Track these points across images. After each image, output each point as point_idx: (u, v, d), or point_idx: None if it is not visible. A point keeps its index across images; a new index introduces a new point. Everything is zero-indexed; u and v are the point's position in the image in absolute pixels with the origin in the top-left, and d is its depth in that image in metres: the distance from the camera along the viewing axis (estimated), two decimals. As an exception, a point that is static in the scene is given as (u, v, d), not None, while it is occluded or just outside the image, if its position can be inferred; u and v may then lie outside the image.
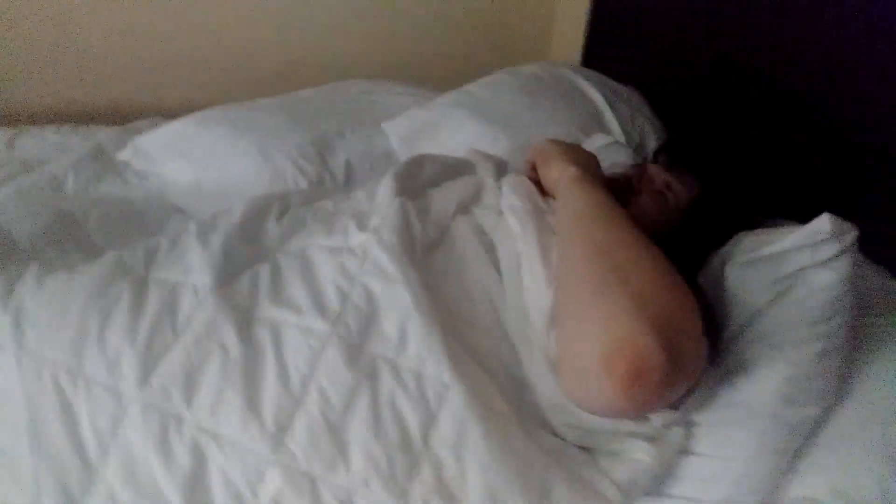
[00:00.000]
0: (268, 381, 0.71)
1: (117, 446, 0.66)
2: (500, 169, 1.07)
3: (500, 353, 0.79)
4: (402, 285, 0.78)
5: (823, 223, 0.84)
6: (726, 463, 0.79)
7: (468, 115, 1.42)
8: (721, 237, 0.98)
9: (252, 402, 0.69)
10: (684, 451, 0.81)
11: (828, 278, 0.81)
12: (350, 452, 0.69)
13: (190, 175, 1.35)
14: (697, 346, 0.65)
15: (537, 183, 0.96)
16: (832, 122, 1.23)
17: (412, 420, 0.71)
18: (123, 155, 1.42)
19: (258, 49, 1.84)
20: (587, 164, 0.93)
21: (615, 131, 1.44)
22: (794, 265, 0.83)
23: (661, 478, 0.79)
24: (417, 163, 1.03)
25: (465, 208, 0.94)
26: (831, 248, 0.82)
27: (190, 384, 0.69)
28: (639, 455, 0.77)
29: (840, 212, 0.84)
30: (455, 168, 1.06)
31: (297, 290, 0.79)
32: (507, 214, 0.89)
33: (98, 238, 1.16)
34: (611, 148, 1.35)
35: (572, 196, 0.85)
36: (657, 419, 0.77)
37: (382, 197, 0.91)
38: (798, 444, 0.81)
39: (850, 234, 0.82)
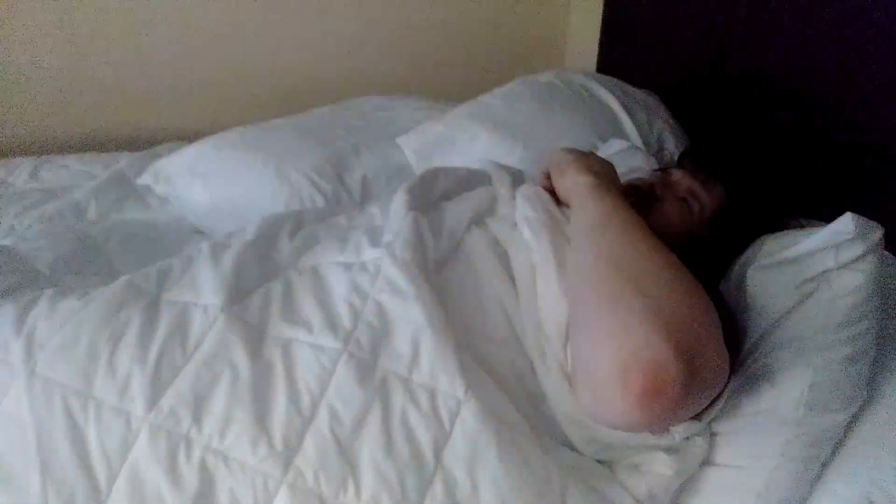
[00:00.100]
0: (278, 401, 0.70)
1: (126, 469, 0.66)
2: (516, 179, 1.06)
3: (516, 366, 0.78)
4: (414, 301, 0.77)
5: (847, 223, 0.82)
6: (750, 473, 0.77)
7: (482, 126, 1.41)
8: (745, 243, 0.95)
9: (261, 422, 0.68)
10: (706, 462, 0.79)
11: (853, 280, 0.79)
12: (360, 472, 0.68)
13: (208, 197, 1.36)
14: (718, 358, 0.63)
15: (553, 192, 0.95)
16: (854, 120, 1.20)
17: (425, 438, 0.70)
18: (144, 179, 1.44)
19: (275, 69, 1.86)
20: (603, 171, 0.91)
21: (632, 136, 1.42)
22: (818, 267, 0.81)
23: (683, 490, 0.78)
24: (431, 176, 1.02)
25: (479, 220, 0.93)
26: (856, 249, 0.79)
27: (199, 405, 0.69)
28: (659, 468, 0.75)
29: (865, 210, 0.81)
30: (470, 180, 1.05)
31: (308, 308, 0.78)
32: (521, 225, 0.88)
33: (119, 263, 1.17)
34: (628, 153, 1.33)
35: (586, 205, 0.83)
36: (678, 431, 0.75)
37: (395, 212, 0.91)
38: (826, 453, 0.79)
39: (876, 233, 0.80)
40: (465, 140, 1.41)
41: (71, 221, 1.34)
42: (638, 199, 0.95)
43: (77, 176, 1.54)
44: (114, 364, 0.71)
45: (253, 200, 1.32)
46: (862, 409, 0.81)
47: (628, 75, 1.66)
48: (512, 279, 0.84)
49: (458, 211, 0.93)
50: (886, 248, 0.89)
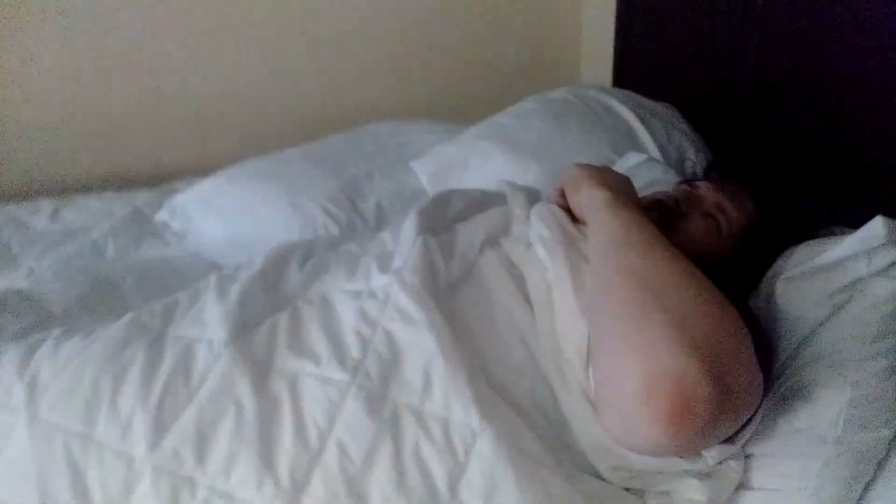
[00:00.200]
0: (284, 437, 0.68)
1: None
2: (532, 198, 1.03)
3: (535, 392, 0.75)
4: (424, 328, 0.74)
5: (877, 227, 0.78)
6: (788, 497, 0.72)
7: (496, 146, 1.39)
8: (775, 256, 0.91)
9: (267, 460, 0.66)
10: (741, 487, 0.75)
11: (888, 288, 0.75)
12: None
13: (224, 231, 1.36)
14: (750, 374, 0.60)
15: (568, 210, 0.92)
16: (879, 126, 1.15)
17: (439, 471, 0.67)
18: (160, 216, 1.44)
19: (291, 100, 1.86)
20: (618, 185, 0.88)
21: (650, 148, 1.39)
22: (850, 275, 0.77)
23: None
24: (444, 198, 1.00)
25: (493, 241, 0.91)
26: (889, 254, 0.75)
27: (203, 444, 0.67)
28: (692, 495, 0.71)
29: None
30: (484, 201, 1.02)
31: (316, 339, 0.76)
32: (536, 245, 0.85)
33: (134, 301, 1.16)
34: (646, 165, 1.29)
35: (603, 221, 0.80)
36: (711, 455, 0.71)
37: (405, 236, 0.89)
38: (868, 473, 0.74)
39: None
40: (479, 161, 1.39)
41: (88, 261, 1.35)
42: (662, 215, 0.91)
43: (97, 215, 1.54)
44: (116, 405, 0.70)
45: (267, 231, 1.31)
46: None
47: (645, 89, 1.63)
48: (528, 301, 0.81)
49: (470, 232, 0.91)
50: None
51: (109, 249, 1.38)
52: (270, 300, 0.83)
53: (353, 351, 0.74)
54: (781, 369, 0.80)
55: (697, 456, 0.70)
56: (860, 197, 1.19)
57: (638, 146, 1.39)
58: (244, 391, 0.70)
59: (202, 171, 1.59)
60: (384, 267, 0.85)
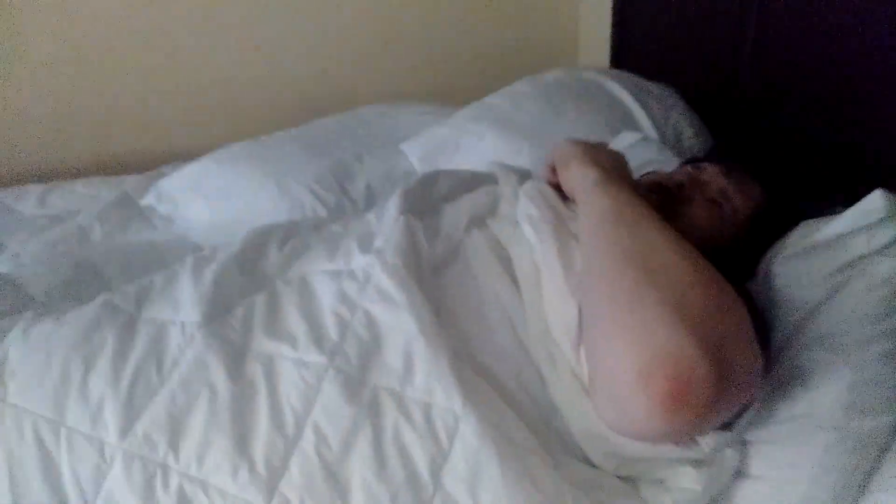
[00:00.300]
0: (259, 422, 0.66)
1: (101, 499, 0.63)
2: (524, 180, 1.00)
3: (522, 376, 0.72)
4: (405, 309, 0.72)
5: (877, 200, 0.75)
6: (787, 485, 0.70)
7: (488, 127, 1.37)
8: (775, 240, 0.88)
9: (242, 446, 0.64)
10: (739, 474, 0.72)
11: (890, 267, 0.72)
12: (351, 496, 0.63)
13: (211, 214, 1.34)
14: (750, 355, 0.57)
15: (559, 188, 0.88)
16: (879, 109, 1.12)
17: (420, 456, 0.65)
18: (147, 200, 1.42)
19: (280, 83, 1.83)
20: (611, 163, 0.84)
21: (647, 129, 1.36)
22: (850, 253, 0.74)
23: None
24: (431, 178, 0.97)
25: (480, 221, 0.87)
26: (889, 232, 0.72)
27: (176, 430, 0.65)
28: (686, 484, 0.69)
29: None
30: (473, 182, 0.99)
31: (293, 321, 0.74)
32: (523, 224, 0.82)
33: (117, 286, 1.14)
34: (640, 145, 1.26)
35: (593, 200, 0.76)
36: (706, 442, 0.68)
37: (388, 216, 0.86)
38: (870, 460, 0.71)
39: None
40: (470, 143, 1.37)
41: (74, 246, 1.32)
42: (663, 198, 0.88)
43: (84, 200, 1.52)
44: (86, 389, 0.67)
45: (254, 215, 1.28)
46: None
47: (642, 72, 1.60)
48: (515, 282, 0.78)
49: (456, 212, 0.88)
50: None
51: (95, 234, 1.35)
52: (247, 281, 0.80)
53: (332, 333, 0.72)
54: (779, 353, 0.77)
55: (693, 443, 0.68)
56: (859, 183, 1.15)
57: (634, 127, 1.37)
58: (218, 375, 0.68)
59: (191, 156, 1.56)
60: (365, 247, 0.82)
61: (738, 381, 0.55)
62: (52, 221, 1.42)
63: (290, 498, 0.62)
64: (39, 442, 0.65)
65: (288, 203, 1.29)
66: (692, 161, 1.03)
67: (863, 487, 0.70)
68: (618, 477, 0.71)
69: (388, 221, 0.84)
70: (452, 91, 1.85)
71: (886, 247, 0.73)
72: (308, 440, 0.65)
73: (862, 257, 0.73)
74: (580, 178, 0.81)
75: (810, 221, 0.85)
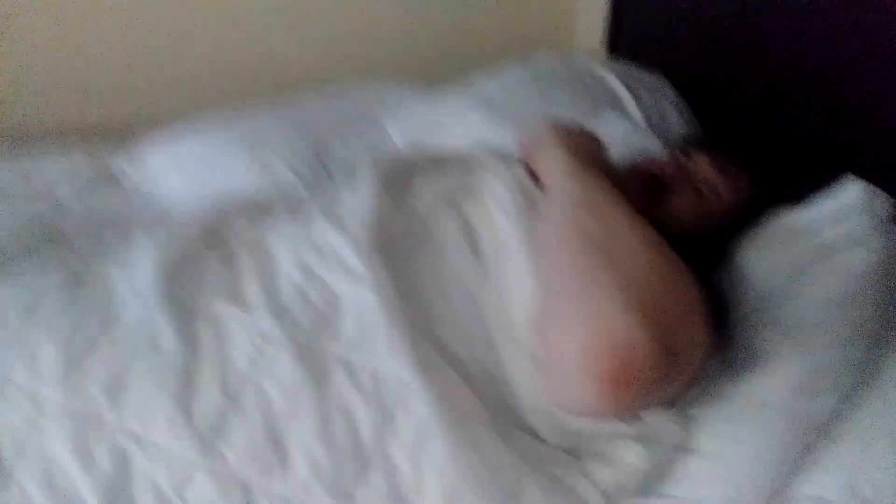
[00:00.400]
0: (203, 382, 0.65)
1: (33, 448, 0.62)
2: (506, 162, 0.98)
3: (478, 351, 0.72)
4: (367, 285, 0.71)
5: (851, 188, 0.74)
6: (728, 461, 0.71)
7: (473, 108, 1.34)
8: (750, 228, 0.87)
9: (184, 405, 0.64)
10: (684, 449, 0.73)
11: (856, 256, 0.72)
12: (290, 458, 0.63)
13: (186, 185, 1.32)
14: (695, 338, 0.58)
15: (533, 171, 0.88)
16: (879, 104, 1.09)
17: (365, 422, 0.65)
18: (120, 166, 1.40)
19: (263, 56, 1.79)
20: (585, 147, 0.84)
21: (634, 117, 1.34)
22: (817, 240, 0.75)
23: (655, 479, 0.72)
24: (409, 153, 0.97)
25: (451, 199, 0.86)
26: (861, 221, 0.72)
27: (114, 385, 0.64)
28: (628, 458, 0.69)
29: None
30: (452, 160, 0.98)
31: (248, 285, 0.73)
32: (492, 206, 0.82)
33: (79, 246, 1.13)
34: (625, 131, 1.24)
35: (560, 184, 0.76)
36: (650, 418, 0.69)
37: (357, 188, 0.85)
38: (811, 440, 0.72)
39: (883, 204, 0.73)
40: (454, 122, 1.34)
41: (45, 211, 1.30)
42: (649, 184, 0.88)
43: (56, 165, 1.49)
44: (25, 339, 0.67)
45: (229, 186, 1.26)
46: (855, 395, 0.74)
47: (638, 57, 1.58)
48: (480, 261, 0.78)
49: (428, 189, 0.87)
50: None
51: (67, 201, 1.33)
52: (204, 240, 0.79)
53: (287, 300, 0.72)
54: (734, 332, 0.77)
55: (637, 419, 0.69)
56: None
57: (621, 113, 1.34)
58: (164, 333, 0.67)
59: (170, 125, 1.54)
60: (329, 213, 0.81)
61: (683, 363, 0.56)
62: (25, 185, 1.39)
63: (228, 456, 0.62)
64: None
65: (265, 177, 1.27)
66: (682, 146, 1.02)
67: (801, 465, 0.71)
68: (565, 451, 0.71)
69: (356, 192, 0.83)
70: (443, 70, 1.82)
71: (853, 234, 0.72)
72: (251, 400, 0.65)
73: (828, 244, 0.73)
74: (550, 162, 0.81)
75: (781, 207, 0.84)
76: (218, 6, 1.71)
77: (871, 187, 0.74)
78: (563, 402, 0.63)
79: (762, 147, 1.24)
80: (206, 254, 0.77)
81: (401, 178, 0.89)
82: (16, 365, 0.65)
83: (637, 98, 1.37)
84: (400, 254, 0.77)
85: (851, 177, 0.75)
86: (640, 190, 0.88)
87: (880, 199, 0.73)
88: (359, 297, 0.71)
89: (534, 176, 0.87)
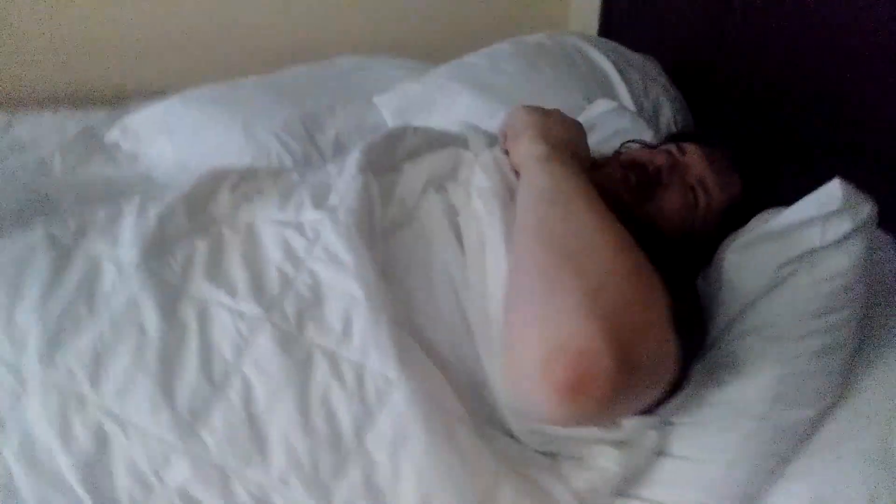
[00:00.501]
0: (187, 366, 0.65)
1: (14, 422, 0.62)
2: (493, 144, 0.98)
3: (459, 348, 0.72)
4: (351, 271, 0.70)
5: (834, 190, 0.74)
6: (702, 466, 0.71)
7: (464, 87, 1.33)
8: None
9: (165, 388, 0.63)
10: (662, 453, 0.73)
11: (838, 263, 0.72)
12: (270, 448, 0.63)
13: (175, 154, 1.31)
14: (662, 349, 0.55)
15: None
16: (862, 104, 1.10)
17: (346, 416, 0.64)
18: (111, 135, 1.39)
19: (258, 26, 1.78)
20: (563, 137, 0.80)
21: (625, 100, 1.33)
22: (802, 245, 0.73)
23: (630, 481, 0.72)
24: (397, 134, 0.94)
25: (438, 184, 0.85)
26: (844, 225, 0.72)
27: (98, 364, 0.64)
28: (604, 462, 0.69)
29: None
30: (440, 141, 0.96)
31: (235, 269, 0.72)
32: (473, 195, 0.80)
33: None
34: (614, 114, 1.24)
35: (533, 176, 0.73)
36: (627, 424, 0.68)
37: (346, 172, 0.83)
38: (787, 449, 0.72)
39: (865, 209, 0.72)
40: (445, 100, 1.33)
41: (32, 177, 1.29)
42: (641, 178, 0.86)
43: (48, 130, 1.48)
44: (12, 316, 0.66)
45: (219, 158, 1.24)
46: (833, 405, 0.74)
47: (631, 39, 1.56)
48: (463, 251, 0.77)
49: (415, 173, 0.86)
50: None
51: (56, 166, 1.33)
52: (193, 222, 0.78)
53: (273, 287, 0.71)
54: (717, 337, 0.77)
55: (614, 425, 0.68)
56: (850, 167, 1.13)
57: (612, 96, 1.33)
58: (149, 315, 0.67)
59: (161, 93, 1.52)
60: (319, 201, 0.80)
61: (646, 374, 0.54)
62: (14, 150, 1.39)
63: (209, 443, 0.62)
64: None
65: (254, 149, 1.26)
66: (677, 138, 1.00)
67: (776, 474, 0.71)
68: (540, 453, 0.71)
69: (345, 177, 0.82)
70: (435, 48, 1.80)
71: (839, 240, 0.71)
72: (234, 388, 0.64)
73: (812, 250, 0.72)
74: (525, 152, 0.78)
75: (768, 209, 0.84)
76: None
77: (855, 190, 0.73)
78: (522, 409, 0.62)
79: (754, 137, 1.24)
80: (193, 233, 0.76)
81: (390, 160, 0.88)
82: (2, 341, 0.65)
83: (628, 81, 1.36)
84: (386, 242, 0.76)
85: (837, 179, 0.73)
86: (627, 181, 0.86)
87: (863, 203, 0.72)
88: (345, 288, 0.70)
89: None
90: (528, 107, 0.86)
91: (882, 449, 0.69)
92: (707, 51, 1.50)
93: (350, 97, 1.39)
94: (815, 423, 0.73)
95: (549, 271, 0.58)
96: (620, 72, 1.38)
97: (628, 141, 1.10)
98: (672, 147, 0.92)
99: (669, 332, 0.55)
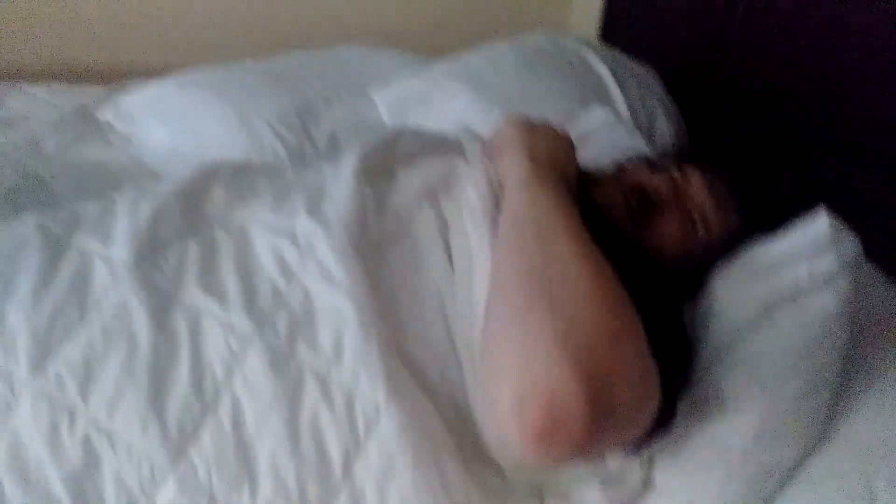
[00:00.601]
0: (178, 381, 0.64)
1: (5, 434, 0.61)
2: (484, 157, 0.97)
3: (447, 374, 0.71)
4: (344, 290, 0.69)
5: (821, 224, 0.74)
6: (686, 501, 0.71)
7: (461, 85, 1.32)
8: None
9: (155, 403, 0.63)
10: (644, 485, 0.74)
11: (824, 302, 0.72)
12: (258, 474, 0.63)
13: (168, 138, 1.29)
14: (637, 388, 0.54)
15: None
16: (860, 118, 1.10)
17: (335, 443, 0.64)
18: (106, 115, 1.37)
19: (261, 8, 1.76)
20: (549, 154, 0.78)
21: (620, 108, 1.33)
22: (789, 282, 0.73)
23: None
24: (393, 137, 0.92)
25: (432, 196, 0.84)
26: (831, 262, 0.72)
27: (88, 376, 0.63)
28: (589, 498, 0.70)
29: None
30: (436, 146, 0.95)
31: (227, 276, 0.71)
32: (465, 213, 0.79)
33: (65, 202, 1.12)
34: (609, 124, 1.23)
35: (514, 199, 0.71)
36: (613, 461, 0.69)
37: (341, 180, 0.82)
38: (771, 488, 0.72)
39: (850, 247, 0.72)
40: (442, 98, 1.33)
41: (24, 155, 1.28)
42: (640, 202, 0.84)
43: (42, 107, 1.46)
44: (3, 315, 0.65)
45: (212, 144, 1.24)
46: (816, 443, 0.74)
47: (632, 45, 1.56)
48: (453, 269, 0.76)
49: (409, 183, 0.84)
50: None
51: (49, 145, 1.30)
52: (187, 220, 0.77)
53: (265, 300, 0.70)
54: (704, 370, 0.77)
55: (599, 461, 0.69)
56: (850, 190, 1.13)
57: (608, 104, 1.33)
58: (140, 323, 0.66)
59: (159, 73, 1.51)
60: (313, 207, 0.78)
61: (622, 413, 0.53)
62: (5, 127, 1.37)
63: (197, 465, 0.62)
64: None
65: (247, 137, 1.24)
66: (680, 157, 0.98)
67: None
68: (525, 486, 0.71)
69: (340, 185, 0.81)
70: (436, 43, 1.79)
71: (820, 274, 0.72)
72: (225, 410, 0.64)
73: (795, 284, 0.73)
74: (508, 172, 0.76)
75: (755, 238, 0.83)
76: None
77: (840, 224, 0.73)
78: (496, 448, 0.62)
79: (754, 136, 1.23)
80: (186, 234, 0.75)
81: (385, 164, 0.87)
82: None
83: (624, 89, 1.36)
84: (378, 256, 0.76)
85: (822, 211, 0.74)
86: (626, 206, 0.85)
87: (847, 238, 0.73)
88: (336, 306, 0.69)
89: None
90: (515, 120, 0.83)
91: (865, 488, 0.69)
92: (708, 52, 1.49)
93: (348, 89, 1.37)
94: (799, 462, 0.73)
95: (522, 305, 0.57)
96: (618, 79, 1.37)
97: (630, 157, 1.08)
98: (675, 172, 0.90)
99: (646, 370, 0.54)
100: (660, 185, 0.87)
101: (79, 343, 0.65)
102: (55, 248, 0.72)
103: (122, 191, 0.84)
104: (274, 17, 1.78)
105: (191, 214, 0.78)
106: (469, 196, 0.79)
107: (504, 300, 0.60)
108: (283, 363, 0.66)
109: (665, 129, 1.37)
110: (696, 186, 0.87)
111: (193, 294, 0.69)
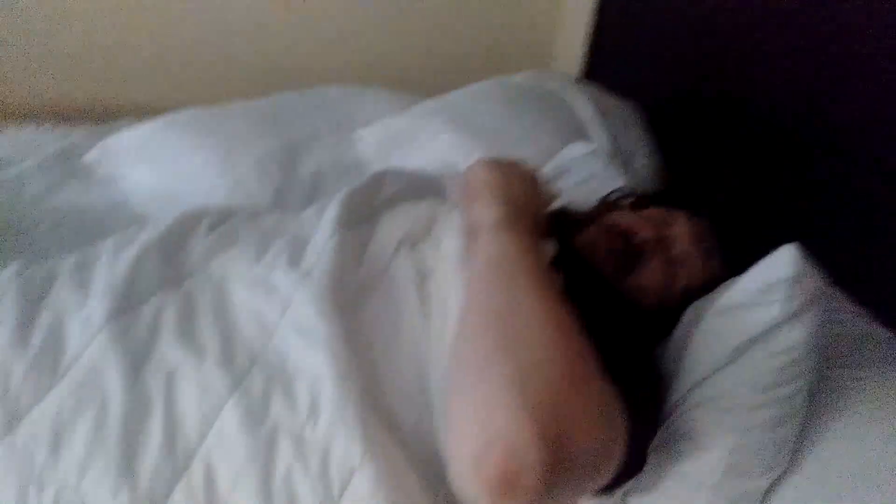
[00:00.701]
0: (150, 442, 0.64)
1: None
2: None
3: (421, 426, 0.71)
4: (321, 346, 0.69)
5: (786, 260, 0.74)
6: None
7: (445, 124, 1.34)
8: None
9: (127, 466, 0.62)
10: None
11: (792, 336, 0.72)
12: None
13: (153, 181, 1.30)
14: (598, 439, 0.52)
15: None
16: (849, 152, 1.10)
17: (309, 502, 0.64)
18: (90, 157, 1.37)
19: (255, 50, 1.79)
20: (522, 198, 0.75)
21: (603, 145, 1.34)
22: (758, 320, 0.73)
23: None
24: (376, 181, 0.92)
25: (412, 242, 0.84)
26: (798, 297, 0.72)
27: (58, 438, 0.63)
28: None
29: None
30: (419, 187, 0.96)
31: (205, 330, 0.72)
32: (442, 259, 0.79)
33: (44, 247, 1.12)
34: (588, 159, 1.25)
35: (482, 245, 0.69)
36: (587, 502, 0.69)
37: (322, 229, 0.82)
38: None
39: (812, 283, 0.73)
40: (426, 138, 1.34)
41: (4, 198, 1.28)
42: (623, 247, 0.85)
43: (26, 148, 1.46)
44: None
45: (196, 187, 1.25)
46: (784, 472, 0.75)
47: (615, 81, 1.58)
48: (427, 318, 0.76)
49: (390, 229, 0.85)
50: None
51: (32, 187, 1.31)
52: (165, 273, 0.77)
53: (242, 356, 0.70)
54: (676, 407, 0.78)
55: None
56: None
57: (590, 140, 1.34)
58: (112, 383, 0.66)
59: (152, 113, 1.52)
60: (295, 258, 0.79)
61: (582, 464, 0.51)
62: (-7, 167, 1.37)
63: None
64: None
65: (232, 177, 1.25)
66: (664, 199, 0.97)
67: None
68: None
69: (322, 235, 0.81)
70: (421, 81, 1.82)
71: (787, 311, 0.72)
72: (198, 471, 0.64)
73: (762, 321, 0.73)
74: (479, 216, 0.73)
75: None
76: (211, 4, 1.69)
77: (806, 260, 0.73)
78: (463, 500, 0.61)
79: (749, 141, 1.22)
80: (165, 286, 0.75)
81: (368, 209, 0.88)
82: None
83: (607, 127, 1.37)
84: (355, 306, 0.75)
85: (790, 247, 0.74)
86: (609, 252, 0.85)
87: (813, 273, 0.73)
88: (314, 363, 0.69)
89: None
90: (487, 163, 0.80)
91: None
92: (692, 89, 1.51)
93: (333, 128, 1.38)
94: (768, 493, 0.74)
95: (484, 354, 0.55)
96: (599, 116, 1.39)
97: (613, 191, 1.09)
98: (659, 215, 0.90)
99: (610, 418, 0.53)
100: (644, 231, 0.87)
101: (50, 403, 0.64)
102: (33, 303, 0.72)
103: (103, 239, 0.84)
104: (265, 54, 1.80)
105: (170, 265, 0.78)
106: (448, 245, 0.79)
107: (469, 350, 0.58)
108: (257, 422, 0.66)
109: (645, 165, 1.38)
110: (681, 232, 0.88)
111: (169, 350, 0.69)
